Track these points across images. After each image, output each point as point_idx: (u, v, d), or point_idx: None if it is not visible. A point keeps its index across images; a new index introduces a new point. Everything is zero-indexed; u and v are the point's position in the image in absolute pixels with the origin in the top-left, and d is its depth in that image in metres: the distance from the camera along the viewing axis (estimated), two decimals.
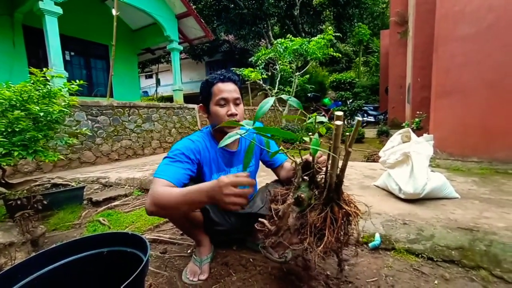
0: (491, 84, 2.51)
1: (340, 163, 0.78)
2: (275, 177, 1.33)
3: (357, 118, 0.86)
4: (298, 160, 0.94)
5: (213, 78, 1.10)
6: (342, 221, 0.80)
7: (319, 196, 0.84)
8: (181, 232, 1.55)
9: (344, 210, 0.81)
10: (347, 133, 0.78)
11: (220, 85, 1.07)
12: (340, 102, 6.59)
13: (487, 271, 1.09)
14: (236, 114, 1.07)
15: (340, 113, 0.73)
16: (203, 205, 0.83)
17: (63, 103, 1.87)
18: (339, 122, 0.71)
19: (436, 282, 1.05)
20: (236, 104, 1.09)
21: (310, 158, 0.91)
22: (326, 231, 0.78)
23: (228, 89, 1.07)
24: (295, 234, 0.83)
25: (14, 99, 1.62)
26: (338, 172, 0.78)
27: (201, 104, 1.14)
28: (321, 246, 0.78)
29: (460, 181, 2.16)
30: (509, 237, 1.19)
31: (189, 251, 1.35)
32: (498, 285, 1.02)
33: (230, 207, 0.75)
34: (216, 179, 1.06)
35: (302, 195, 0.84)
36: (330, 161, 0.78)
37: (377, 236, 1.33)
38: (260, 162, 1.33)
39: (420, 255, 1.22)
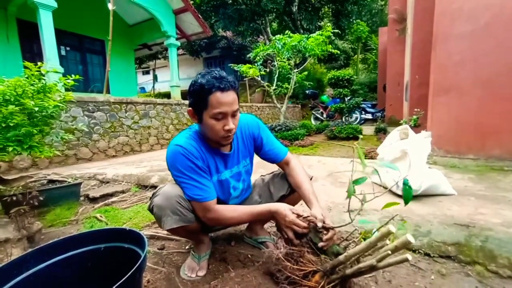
0: (486, 82, 2.52)
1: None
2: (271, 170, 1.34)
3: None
4: (307, 214, 0.99)
5: (210, 84, 0.90)
6: None
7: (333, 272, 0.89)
8: None
9: None
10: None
11: (219, 96, 0.90)
12: (338, 99, 6.56)
13: (483, 266, 1.10)
14: (233, 129, 0.97)
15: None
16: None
17: (58, 98, 1.85)
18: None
19: (432, 277, 1.06)
20: (234, 116, 0.97)
21: (318, 224, 0.95)
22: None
23: (228, 102, 0.92)
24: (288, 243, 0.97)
25: (8, 93, 1.58)
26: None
27: (190, 108, 0.98)
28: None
29: (456, 178, 2.18)
30: (504, 233, 1.21)
31: (187, 247, 1.35)
32: (493, 280, 1.04)
33: (284, 234, 0.99)
34: (216, 181, 1.08)
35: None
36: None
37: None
38: (262, 159, 1.32)
39: (417, 251, 1.24)
